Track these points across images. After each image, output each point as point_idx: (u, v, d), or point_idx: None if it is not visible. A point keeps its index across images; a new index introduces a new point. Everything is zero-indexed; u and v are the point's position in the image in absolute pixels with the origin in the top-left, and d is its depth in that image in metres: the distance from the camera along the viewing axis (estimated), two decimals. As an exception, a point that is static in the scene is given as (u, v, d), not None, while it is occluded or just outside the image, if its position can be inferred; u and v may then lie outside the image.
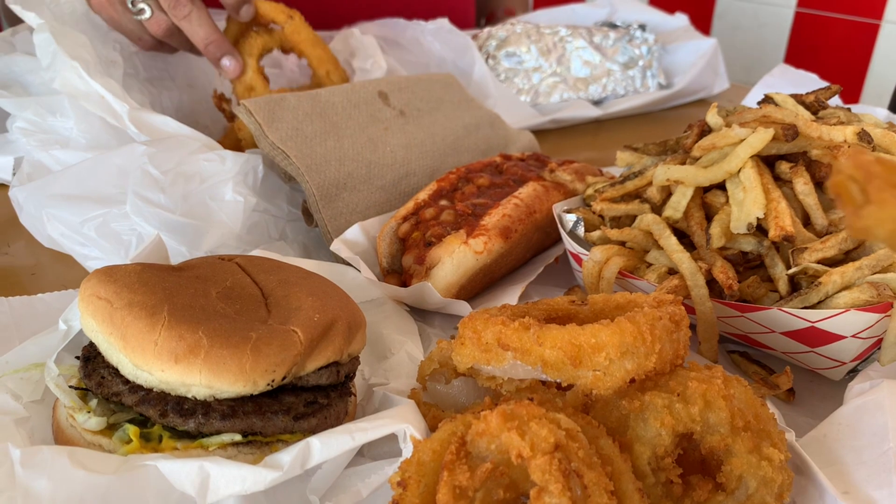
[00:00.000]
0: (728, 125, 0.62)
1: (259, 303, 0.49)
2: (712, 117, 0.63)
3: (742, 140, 0.59)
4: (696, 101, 1.23)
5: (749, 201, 0.56)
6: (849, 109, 0.68)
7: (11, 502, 0.39)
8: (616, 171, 0.86)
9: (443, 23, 1.02)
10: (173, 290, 0.46)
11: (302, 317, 0.46)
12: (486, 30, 1.16)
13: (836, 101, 0.80)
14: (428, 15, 1.27)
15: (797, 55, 1.83)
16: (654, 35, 1.19)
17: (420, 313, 0.65)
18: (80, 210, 0.65)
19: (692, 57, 1.20)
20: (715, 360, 0.57)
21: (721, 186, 0.60)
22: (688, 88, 1.17)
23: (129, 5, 0.80)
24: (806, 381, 0.58)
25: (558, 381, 0.45)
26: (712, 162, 0.60)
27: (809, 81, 0.90)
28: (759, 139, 0.58)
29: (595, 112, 1.09)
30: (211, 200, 0.67)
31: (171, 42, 0.83)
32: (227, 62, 0.82)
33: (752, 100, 0.92)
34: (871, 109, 0.86)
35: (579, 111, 1.08)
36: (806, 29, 1.80)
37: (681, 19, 1.30)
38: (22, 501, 0.39)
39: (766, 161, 0.60)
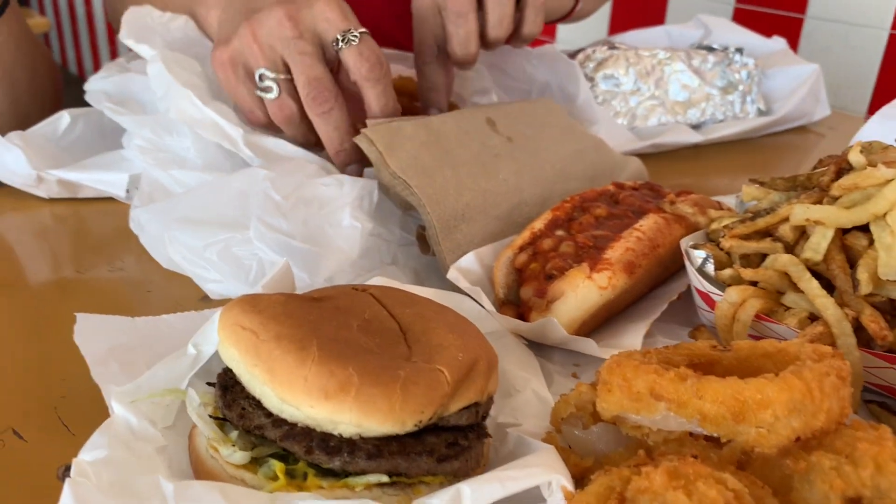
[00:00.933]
0: (872, 164, 0.59)
1: (398, 337, 0.48)
2: (855, 156, 0.60)
3: (889, 181, 0.56)
4: (796, 128, 1.20)
5: (899, 246, 0.53)
6: None
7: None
8: (727, 200, 0.83)
9: (549, 48, 1.01)
10: (318, 323, 0.46)
11: (447, 356, 0.45)
12: (585, 50, 1.14)
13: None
14: None
15: (892, 81, 1.77)
16: (754, 59, 1.16)
17: (538, 347, 0.63)
18: (202, 234, 0.65)
19: (792, 82, 1.17)
20: (855, 412, 0.55)
21: (862, 228, 0.58)
22: (789, 115, 1.14)
23: (257, 79, 0.73)
24: (954, 438, 0.55)
25: (714, 434, 0.43)
26: (854, 203, 0.58)
27: (932, 114, 0.86)
28: (910, 180, 0.55)
29: (695, 138, 1.06)
30: (329, 226, 0.67)
31: (287, 129, 0.76)
32: (353, 170, 0.76)
33: (867, 133, 0.89)
34: None
35: (680, 136, 1.06)
36: (901, 52, 1.74)
37: (779, 42, 1.27)
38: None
39: (913, 203, 0.58)
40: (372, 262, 0.70)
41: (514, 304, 0.65)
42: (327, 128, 0.73)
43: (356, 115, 0.75)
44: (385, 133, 0.71)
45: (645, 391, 0.44)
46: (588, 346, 0.59)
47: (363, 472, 0.43)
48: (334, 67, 0.75)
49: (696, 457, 0.41)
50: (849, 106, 1.86)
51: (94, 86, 0.84)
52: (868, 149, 0.62)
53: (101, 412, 0.51)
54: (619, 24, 2.26)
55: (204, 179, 0.71)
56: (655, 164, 1.07)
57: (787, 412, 0.41)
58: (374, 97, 0.74)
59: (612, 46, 1.13)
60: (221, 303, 0.67)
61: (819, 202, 0.61)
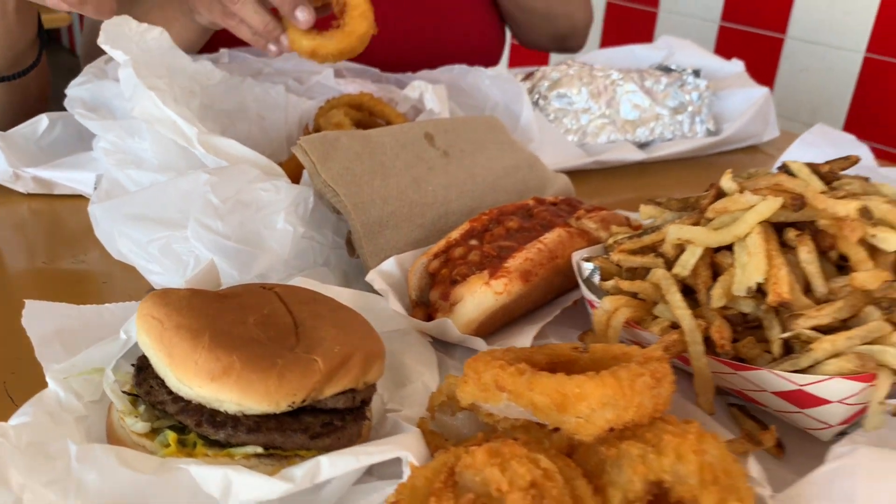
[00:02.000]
0: (742, 190, 0.65)
1: (290, 331, 0.55)
2: (727, 182, 0.66)
3: (752, 206, 0.63)
4: (746, 148, 1.25)
5: (751, 266, 0.60)
6: (867, 179, 0.71)
7: (65, 492, 0.46)
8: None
9: (500, 71, 1.08)
10: (216, 316, 0.53)
11: (325, 347, 0.52)
12: (542, 69, 1.21)
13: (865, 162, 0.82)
14: (459, 41, 1.35)
15: (864, 100, 1.82)
16: (707, 81, 1.22)
17: (443, 345, 0.70)
18: (147, 230, 0.73)
19: (744, 104, 1.23)
20: (711, 412, 0.61)
21: (730, 248, 0.64)
22: (735, 136, 1.19)
23: None
24: (798, 439, 0.61)
25: (545, 422, 0.50)
26: (723, 225, 0.64)
27: (846, 142, 0.92)
28: (768, 207, 0.61)
29: (639, 155, 1.12)
30: (264, 228, 0.74)
31: (244, 12, 0.90)
32: (300, 14, 0.88)
33: (790, 157, 0.95)
34: (905, 174, 0.88)
35: (624, 154, 1.12)
36: (874, 75, 1.79)
37: (736, 65, 1.33)
38: (74, 492, 0.46)
39: (777, 227, 0.64)
40: (305, 262, 0.77)
41: (426, 305, 0.72)
42: None
43: None
44: (320, 144, 0.78)
45: (491, 383, 0.51)
46: (479, 343, 0.66)
47: (244, 444, 0.50)
48: None
49: (516, 439, 0.47)
50: (826, 123, 1.91)
51: (73, 93, 0.92)
52: (742, 176, 0.69)
53: (43, 387, 0.59)
54: (610, 42, 2.32)
55: (157, 179, 0.78)
56: (603, 180, 1.13)
57: (601, 405, 0.47)
58: None
59: (572, 66, 1.19)
60: (165, 294, 0.75)
61: (697, 223, 0.67)
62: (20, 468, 0.47)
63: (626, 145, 1.14)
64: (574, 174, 1.11)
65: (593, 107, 1.16)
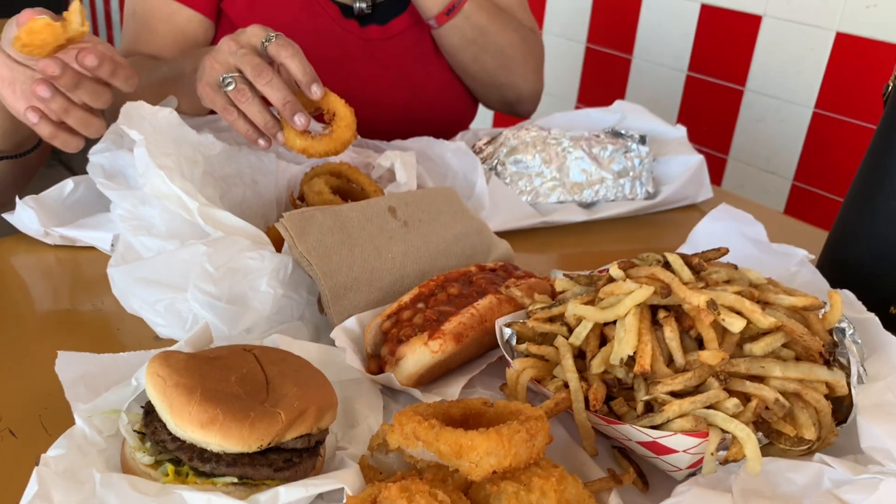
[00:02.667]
0: (625, 278, 0.82)
1: (262, 387, 0.72)
2: (614, 270, 0.83)
3: (631, 292, 0.79)
4: (682, 207, 1.42)
5: (625, 341, 0.77)
6: (735, 267, 0.88)
7: (92, 511, 0.63)
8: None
9: (461, 145, 1.25)
10: (206, 376, 0.70)
11: (286, 403, 0.69)
12: (504, 134, 1.38)
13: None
14: (432, 110, 1.54)
15: (813, 151, 1.99)
16: (648, 149, 1.38)
17: (391, 391, 0.87)
18: (154, 292, 0.90)
19: (681, 169, 1.40)
20: (593, 454, 0.78)
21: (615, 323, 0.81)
22: (671, 198, 1.36)
23: (221, 83, 1.04)
24: (661, 477, 0.78)
25: (450, 465, 0.66)
26: (610, 304, 0.81)
27: (745, 220, 1.08)
28: (642, 294, 0.78)
29: (583, 217, 1.29)
30: (250, 290, 0.91)
31: (248, 109, 1.04)
32: (298, 119, 1.04)
33: (700, 230, 1.11)
34: (790, 251, 1.04)
35: (569, 215, 1.29)
36: (822, 128, 1.95)
37: (679, 130, 1.49)
38: (99, 510, 0.63)
39: (653, 307, 0.81)
40: (283, 317, 0.94)
41: (378, 358, 0.89)
42: (273, 91, 1.02)
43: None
44: (298, 220, 0.95)
45: (410, 433, 0.68)
46: (417, 393, 0.83)
47: (224, 475, 0.67)
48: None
49: (421, 478, 0.64)
50: (779, 171, 2.08)
51: (94, 159, 1.09)
52: (628, 263, 0.85)
53: (70, 421, 0.76)
54: (588, 83, 2.49)
55: (165, 246, 0.96)
56: (551, 237, 1.30)
57: (487, 454, 0.64)
58: (293, 66, 1.04)
59: (529, 133, 1.36)
60: (167, 342, 0.92)
61: (592, 301, 0.84)
62: (59, 490, 0.64)
63: (573, 206, 1.31)
64: (525, 231, 1.28)
65: (545, 171, 1.32)
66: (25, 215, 1.07)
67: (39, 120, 0.98)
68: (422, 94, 1.56)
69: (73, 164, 4.13)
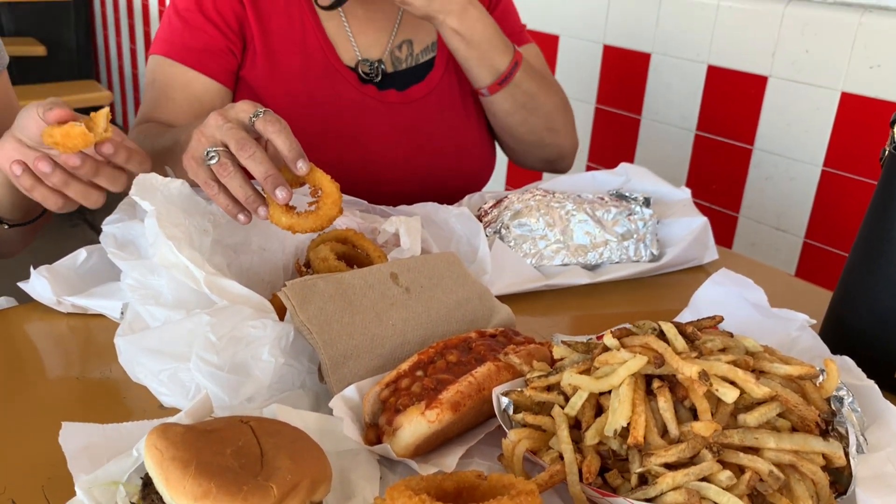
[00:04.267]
0: (620, 347, 0.83)
1: (257, 460, 0.73)
2: (608, 339, 0.84)
3: (625, 362, 0.80)
4: (687, 269, 1.42)
5: (619, 412, 0.77)
6: (730, 335, 0.88)
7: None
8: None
9: (464, 210, 1.28)
10: (202, 449, 0.71)
11: (279, 476, 0.70)
12: (509, 197, 1.40)
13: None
14: (450, 169, 1.57)
15: (823, 209, 1.99)
16: (652, 211, 1.40)
17: (388, 460, 0.88)
18: (159, 361, 0.92)
19: (685, 231, 1.40)
20: (589, 525, 0.78)
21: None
22: (675, 261, 1.37)
23: (204, 157, 1.05)
24: (658, 550, 0.77)
25: (440, 540, 0.67)
26: (605, 374, 0.81)
27: (746, 284, 1.08)
28: (636, 364, 0.79)
29: (587, 279, 1.30)
30: (251, 359, 0.93)
31: (229, 182, 1.04)
32: (280, 193, 1.03)
33: (701, 295, 1.12)
34: (791, 315, 1.04)
35: (572, 278, 1.30)
36: (831, 186, 1.96)
37: (684, 192, 1.51)
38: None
39: (648, 377, 0.81)
40: (285, 385, 0.96)
41: (377, 427, 0.90)
42: (255, 165, 1.03)
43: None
44: (300, 289, 0.97)
45: (401, 508, 0.68)
46: (413, 464, 0.84)
47: (217, 548, 0.68)
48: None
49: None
50: (790, 229, 2.08)
51: (107, 230, 1.12)
52: (623, 331, 0.86)
53: (73, 492, 0.77)
54: (598, 142, 2.52)
55: (171, 315, 0.98)
56: (555, 299, 1.31)
57: (476, 530, 0.65)
58: (279, 142, 1.04)
59: (533, 196, 1.38)
60: (171, 411, 0.93)
61: (588, 370, 0.84)
62: (54, 565, 0.65)
63: (576, 270, 1.32)
64: (530, 294, 1.29)
65: (549, 234, 1.34)
66: (39, 284, 1.11)
67: (22, 173, 1.04)
68: (439, 159, 1.60)
69: (97, 223, 4.22)
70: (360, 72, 1.53)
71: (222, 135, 1.04)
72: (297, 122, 1.46)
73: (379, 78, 1.54)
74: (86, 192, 1.05)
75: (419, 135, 1.58)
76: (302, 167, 1.05)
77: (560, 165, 1.72)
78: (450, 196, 1.51)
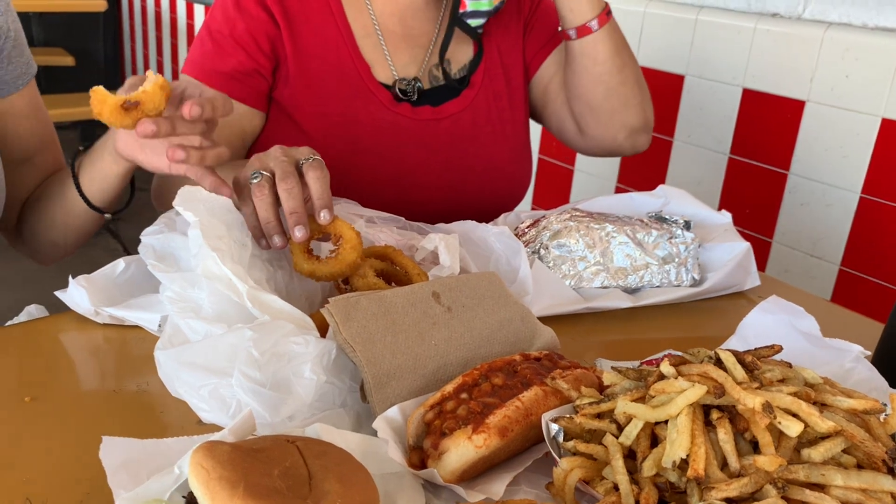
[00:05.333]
0: (677, 375, 0.80)
1: (305, 482, 0.71)
2: (665, 368, 0.81)
3: (683, 391, 0.77)
4: (729, 295, 1.40)
5: (677, 443, 0.74)
6: (789, 365, 0.85)
7: None
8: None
9: (504, 229, 1.26)
10: (249, 470, 0.69)
11: (328, 500, 0.68)
12: (548, 217, 1.38)
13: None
14: (485, 190, 1.56)
15: (861, 236, 1.95)
16: (693, 235, 1.37)
17: (433, 485, 0.85)
18: (199, 376, 0.90)
19: (727, 256, 1.38)
20: (644, 561, 0.75)
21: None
22: (717, 286, 1.34)
23: (250, 176, 1.09)
24: (716, 589, 0.74)
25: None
26: (661, 403, 0.79)
27: (796, 312, 1.05)
28: (695, 393, 0.76)
29: (626, 303, 1.28)
30: (293, 376, 0.91)
31: (259, 203, 1.08)
32: (298, 232, 1.07)
33: (748, 322, 1.09)
34: (845, 346, 1.01)
35: (613, 301, 1.27)
36: (869, 214, 1.92)
37: (725, 216, 1.48)
38: None
39: (706, 407, 0.78)
40: (325, 404, 0.93)
41: (421, 450, 0.87)
42: (289, 198, 1.07)
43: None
44: (343, 306, 0.95)
45: (455, 537, 0.66)
46: (459, 490, 0.81)
47: (264, 574, 0.66)
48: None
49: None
50: (825, 256, 2.04)
51: (146, 241, 1.11)
52: (681, 360, 0.83)
53: (111, 506, 0.75)
54: (631, 166, 2.50)
55: (211, 330, 0.96)
56: (595, 322, 1.29)
57: (535, 563, 0.62)
58: (315, 187, 1.08)
59: (572, 217, 1.36)
60: (210, 427, 0.92)
61: (643, 398, 0.82)
62: (98, 586, 0.63)
63: (616, 293, 1.30)
64: (569, 316, 1.27)
65: (589, 255, 1.32)
66: (77, 294, 1.09)
67: (186, 165, 1.12)
68: (471, 177, 1.58)
69: (120, 232, 4.23)
70: (397, 90, 1.52)
71: (274, 164, 1.09)
72: (330, 141, 1.46)
73: (416, 97, 1.53)
74: (218, 154, 1.15)
75: (452, 151, 1.57)
76: (325, 217, 1.09)
77: (642, 139, 1.64)
78: (483, 214, 1.50)
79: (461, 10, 1.52)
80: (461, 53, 1.60)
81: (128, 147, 1.16)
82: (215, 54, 1.43)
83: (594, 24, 1.49)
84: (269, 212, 1.08)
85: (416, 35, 1.57)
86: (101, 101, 1.06)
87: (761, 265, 2.17)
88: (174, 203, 1.06)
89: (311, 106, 1.48)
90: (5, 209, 1.37)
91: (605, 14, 1.50)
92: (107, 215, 1.32)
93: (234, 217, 1.10)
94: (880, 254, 1.92)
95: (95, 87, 1.07)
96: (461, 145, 1.57)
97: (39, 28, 5.86)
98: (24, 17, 5.67)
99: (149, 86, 1.07)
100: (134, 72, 6.10)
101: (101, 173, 1.24)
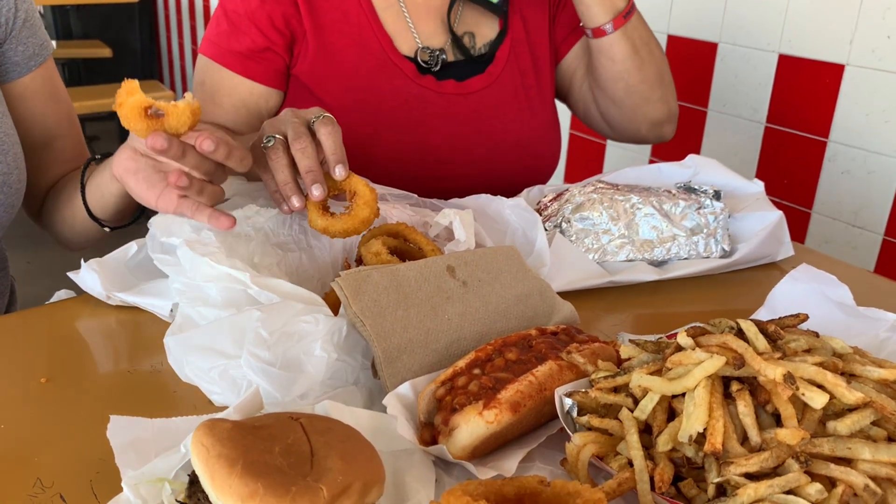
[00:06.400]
0: (695, 347, 0.76)
1: (307, 459, 0.69)
2: (682, 338, 0.78)
3: (701, 362, 0.74)
4: (761, 266, 1.34)
5: (694, 416, 0.71)
6: (816, 335, 0.81)
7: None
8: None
9: (519, 201, 1.23)
10: (249, 447, 0.68)
11: (330, 477, 0.66)
12: (571, 190, 1.34)
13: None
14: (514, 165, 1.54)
15: (905, 204, 1.87)
16: (723, 204, 1.32)
17: (444, 462, 0.83)
18: (209, 359, 0.89)
19: (758, 226, 1.32)
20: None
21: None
22: (747, 257, 1.29)
23: (265, 140, 1.10)
24: (737, 568, 0.70)
25: (500, 551, 0.62)
26: (678, 376, 0.75)
27: (829, 282, 1.00)
28: (713, 364, 0.73)
29: (652, 276, 1.23)
30: (303, 355, 0.89)
31: (274, 165, 1.09)
32: (316, 190, 1.06)
33: (779, 292, 1.04)
34: (880, 315, 0.96)
35: (638, 275, 1.23)
36: (914, 180, 1.84)
37: (757, 185, 1.42)
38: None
39: (725, 379, 0.75)
40: (337, 382, 0.92)
41: (432, 427, 0.85)
42: (303, 157, 1.07)
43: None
44: (354, 280, 0.93)
45: (459, 514, 0.63)
46: (470, 467, 0.79)
47: (264, 551, 0.64)
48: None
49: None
50: (868, 226, 1.97)
51: (153, 230, 1.10)
52: (700, 331, 0.80)
53: (120, 488, 0.75)
54: (660, 144, 2.43)
55: (220, 315, 0.95)
56: (619, 296, 1.25)
57: (540, 541, 0.59)
58: (328, 144, 1.08)
59: (596, 189, 1.32)
60: (221, 407, 0.91)
61: (659, 370, 0.78)
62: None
63: (642, 265, 1.25)
64: (592, 291, 1.23)
65: (613, 228, 1.28)
66: (89, 277, 1.09)
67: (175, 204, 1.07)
68: (498, 153, 1.55)
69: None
70: (420, 60, 1.49)
71: (285, 126, 1.09)
72: (354, 115, 1.43)
73: (438, 67, 1.50)
74: (215, 192, 1.09)
75: (479, 126, 1.53)
76: (340, 172, 1.07)
77: (666, 130, 1.64)
78: (512, 189, 1.46)
79: None
80: (486, 28, 1.56)
81: (123, 169, 1.08)
82: (230, 34, 1.42)
83: (608, 27, 1.47)
84: (284, 173, 1.08)
85: (438, 5, 1.53)
86: (127, 93, 0.99)
87: (800, 236, 2.09)
88: (156, 236, 1.06)
89: (333, 81, 1.46)
90: (29, 195, 1.39)
91: (623, 16, 1.47)
92: (105, 229, 1.28)
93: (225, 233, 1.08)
94: (925, 224, 1.84)
95: (130, 80, 1.01)
96: (488, 121, 1.54)
97: (77, 20, 5.95)
98: (63, 10, 5.78)
99: (181, 104, 0.99)
100: (170, 61, 6.16)
101: (99, 189, 1.22)
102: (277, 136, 1.08)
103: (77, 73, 5.69)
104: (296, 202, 1.07)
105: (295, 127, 1.08)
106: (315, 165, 1.06)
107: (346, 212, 1.08)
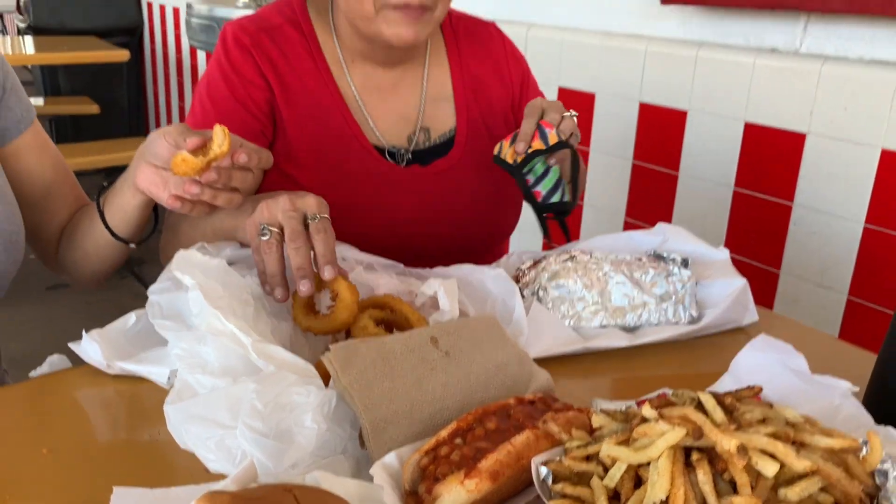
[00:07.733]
0: (658, 418, 0.83)
1: (300, 530, 0.75)
2: (647, 410, 0.84)
3: (664, 433, 0.80)
4: (727, 331, 1.42)
5: (658, 485, 0.77)
6: (770, 405, 0.88)
7: None
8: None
9: (500, 272, 1.30)
10: (247, 519, 0.73)
11: (321, 547, 0.72)
12: (547, 258, 1.42)
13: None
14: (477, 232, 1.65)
15: (867, 265, 1.97)
16: (690, 272, 1.40)
17: (429, 528, 0.88)
18: (206, 428, 0.95)
19: (724, 292, 1.40)
20: None
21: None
22: (714, 323, 1.36)
23: (260, 230, 1.17)
24: None
25: None
26: (644, 446, 0.82)
27: (787, 352, 1.08)
28: (675, 436, 0.79)
29: (624, 342, 1.30)
30: (294, 426, 0.95)
31: (267, 258, 1.17)
32: (304, 286, 1.15)
33: (741, 360, 1.11)
34: (833, 383, 1.03)
35: (611, 341, 1.30)
36: (873, 243, 1.94)
37: (723, 253, 1.51)
38: None
39: (687, 449, 0.81)
40: (327, 451, 0.97)
41: (416, 495, 0.91)
42: (296, 256, 1.15)
43: None
44: (343, 353, 0.99)
45: (441, 582, 0.69)
46: (452, 534, 0.84)
47: None
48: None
49: None
50: (834, 286, 2.06)
51: (153, 298, 1.17)
52: (664, 401, 0.86)
53: (120, 556, 0.80)
54: (635, 199, 2.53)
55: (218, 383, 1.01)
56: (594, 362, 1.32)
57: None
58: (319, 246, 1.16)
59: (571, 258, 1.40)
60: (218, 476, 0.96)
61: (627, 440, 0.85)
62: None
63: (614, 332, 1.33)
64: (569, 357, 1.30)
65: (587, 295, 1.35)
66: (90, 348, 1.15)
67: (182, 206, 1.22)
68: (464, 227, 1.65)
69: (144, 275, 4.33)
70: (386, 155, 1.59)
71: (283, 219, 1.17)
72: (325, 192, 1.52)
73: (404, 164, 1.60)
74: (230, 198, 1.22)
75: (441, 203, 1.63)
76: (328, 273, 1.15)
77: None
78: (475, 257, 1.55)
79: (538, 201, 1.51)
80: (440, 123, 1.66)
81: (149, 183, 1.22)
82: (217, 116, 1.49)
83: None
84: (275, 267, 1.17)
85: (400, 108, 1.63)
86: (182, 164, 1.14)
87: (769, 297, 2.18)
88: (171, 267, 1.12)
89: (306, 163, 1.54)
90: (44, 242, 1.50)
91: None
92: (131, 245, 1.40)
93: (231, 279, 1.15)
94: (887, 283, 1.93)
95: (179, 152, 1.15)
96: (451, 197, 1.64)
97: (66, 79, 6.04)
98: (52, 69, 5.87)
99: (211, 133, 1.15)
100: (157, 117, 6.26)
101: (121, 208, 1.31)
102: (273, 228, 1.16)
103: (65, 130, 5.77)
104: (279, 294, 1.16)
105: (292, 224, 1.15)
106: (307, 264, 1.15)
107: (328, 312, 1.16)
